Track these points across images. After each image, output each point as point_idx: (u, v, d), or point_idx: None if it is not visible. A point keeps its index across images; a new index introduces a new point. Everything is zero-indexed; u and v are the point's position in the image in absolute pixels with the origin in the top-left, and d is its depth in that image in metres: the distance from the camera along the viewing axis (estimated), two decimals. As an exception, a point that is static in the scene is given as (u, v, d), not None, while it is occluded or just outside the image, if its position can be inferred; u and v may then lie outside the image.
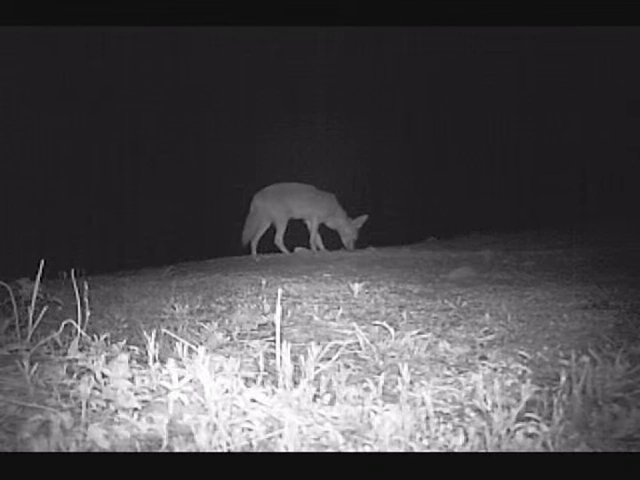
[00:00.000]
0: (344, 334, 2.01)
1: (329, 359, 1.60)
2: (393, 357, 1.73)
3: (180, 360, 1.46)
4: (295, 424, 1.15)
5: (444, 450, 1.10)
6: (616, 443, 1.15)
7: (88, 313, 1.77)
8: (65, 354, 1.56)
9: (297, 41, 8.07)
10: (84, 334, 1.66)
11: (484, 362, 1.66)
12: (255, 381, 1.44)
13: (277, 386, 1.39)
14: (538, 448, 1.09)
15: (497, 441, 1.11)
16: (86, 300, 1.89)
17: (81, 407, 1.24)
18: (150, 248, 6.77)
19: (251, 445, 1.13)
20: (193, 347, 1.48)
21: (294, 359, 1.48)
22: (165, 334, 1.78)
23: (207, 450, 1.09)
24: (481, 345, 1.87)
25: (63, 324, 1.71)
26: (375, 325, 2.04)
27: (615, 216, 7.57)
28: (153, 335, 1.56)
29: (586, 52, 8.42)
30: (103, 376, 1.35)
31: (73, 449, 1.09)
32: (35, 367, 1.40)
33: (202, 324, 2.01)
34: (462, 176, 9.28)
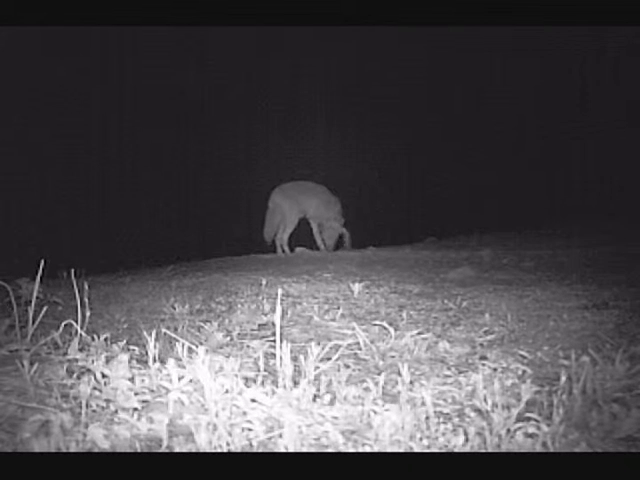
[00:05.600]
0: (344, 334, 2.01)
1: (329, 359, 1.60)
2: (393, 357, 1.73)
3: (180, 360, 1.46)
4: (295, 424, 1.15)
5: (444, 450, 1.10)
6: (616, 443, 1.15)
7: (88, 313, 1.77)
8: (65, 354, 1.56)
9: (296, 41, 8.07)
10: (84, 334, 1.66)
11: (484, 362, 1.66)
12: (255, 381, 1.44)
13: (277, 386, 1.39)
14: (538, 448, 1.09)
15: (497, 441, 1.11)
16: (86, 300, 1.89)
17: (81, 407, 1.24)
18: (150, 248, 6.77)
19: (251, 445, 1.13)
20: (193, 347, 1.48)
21: (294, 359, 1.48)
22: (165, 334, 1.78)
23: (207, 450, 1.09)
24: (481, 345, 1.87)
25: (63, 324, 1.71)
26: (375, 325, 2.04)
27: (615, 216, 7.57)
28: (153, 335, 1.56)
29: (586, 51, 8.42)
30: (103, 376, 1.35)
31: (73, 449, 1.09)
32: (35, 367, 1.40)
33: (202, 324, 2.01)
34: (462, 176, 9.28)
